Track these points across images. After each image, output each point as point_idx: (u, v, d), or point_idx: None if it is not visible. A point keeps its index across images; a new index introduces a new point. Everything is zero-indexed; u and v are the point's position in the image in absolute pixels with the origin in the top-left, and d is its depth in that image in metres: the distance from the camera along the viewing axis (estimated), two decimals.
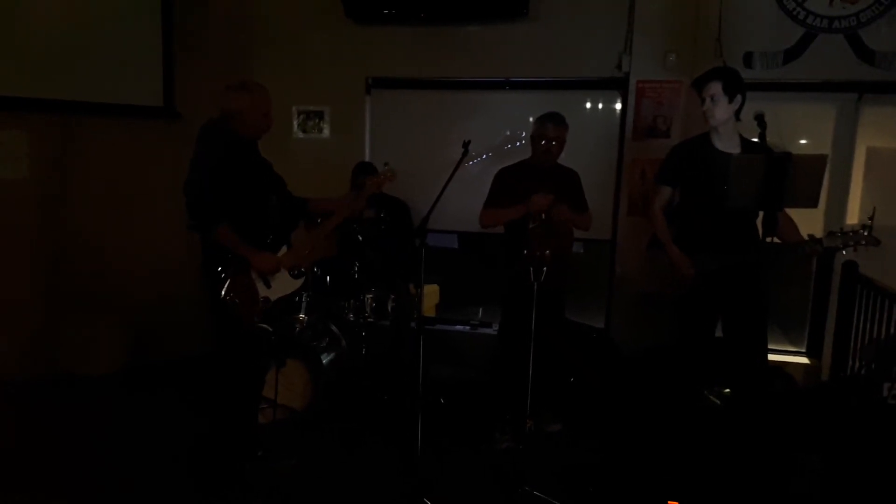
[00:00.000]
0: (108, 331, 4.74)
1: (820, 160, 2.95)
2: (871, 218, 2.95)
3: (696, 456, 3.36)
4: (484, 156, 4.83)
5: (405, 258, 4.28)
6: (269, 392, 3.55)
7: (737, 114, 3.17)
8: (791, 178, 2.83)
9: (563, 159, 3.85)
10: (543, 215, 3.55)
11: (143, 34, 4.72)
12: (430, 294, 5.37)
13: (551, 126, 3.65)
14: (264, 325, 3.43)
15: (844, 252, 3.02)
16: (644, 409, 3.84)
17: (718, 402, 3.90)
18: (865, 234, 2.96)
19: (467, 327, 5.16)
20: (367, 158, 4.91)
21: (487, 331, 5.01)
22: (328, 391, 3.89)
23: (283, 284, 3.22)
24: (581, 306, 4.95)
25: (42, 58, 4.39)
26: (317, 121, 5.02)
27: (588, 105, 4.82)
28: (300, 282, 3.34)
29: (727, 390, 3.89)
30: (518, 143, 4.77)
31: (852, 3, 4.15)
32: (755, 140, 3.08)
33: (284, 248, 3.22)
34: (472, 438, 3.73)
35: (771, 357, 3.97)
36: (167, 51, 4.79)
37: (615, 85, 4.62)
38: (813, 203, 2.93)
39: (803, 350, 4.69)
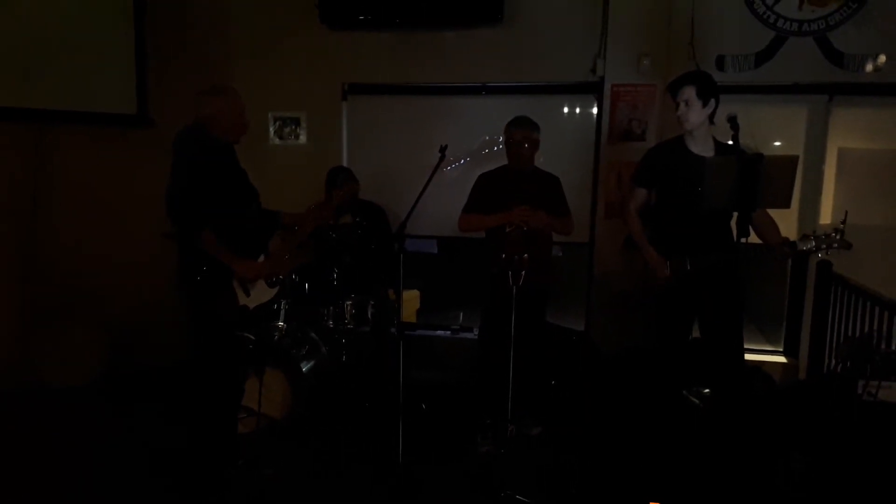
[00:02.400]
0: (85, 340, 4.67)
1: (791, 161, 2.99)
2: (843, 222, 2.98)
3: (678, 456, 3.38)
4: (461, 160, 4.84)
5: (384, 263, 4.28)
6: (250, 401, 3.52)
7: (711, 117, 3.21)
8: (763, 179, 2.86)
9: (541, 163, 3.88)
10: (524, 227, 3.59)
11: (115, 41, 4.66)
12: (411, 300, 5.35)
13: (519, 129, 3.70)
14: (245, 334, 3.42)
15: (819, 255, 3.07)
16: (625, 410, 3.86)
17: (698, 402, 3.93)
18: (837, 237, 2.99)
19: (448, 332, 5.15)
20: (344, 164, 4.89)
21: (468, 335, 5.00)
22: (308, 399, 3.87)
23: (261, 292, 3.20)
24: (561, 309, 4.97)
25: (12, 66, 4.32)
26: (293, 127, 4.99)
27: (565, 109, 4.84)
28: (276, 290, 3.33)
29: (706, 390, 3.92)
30: (496, 148, 4.78)
31: (821, 7, 4.23)
32: (729, 143, 3.11)
33: (262, 257, 3.20)
34: (454, 443, 3.72)
35: (749, 356, 4.02)
36: (140, 58, 4.73)
37: (590, 89, 4.65)
38: (785, 204, 2.97)
39: (781, 349, 4.74)
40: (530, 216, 3.58)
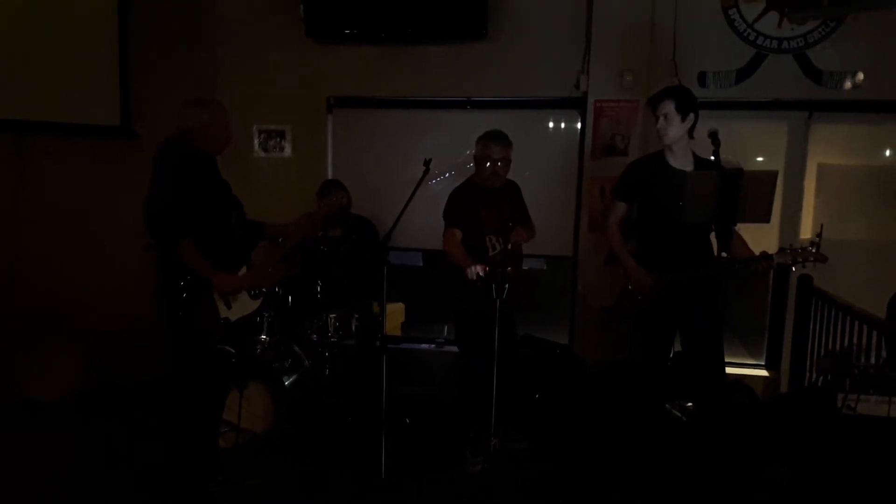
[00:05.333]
0: (64, 354, 4.60)
1: (770, 176, 3.03)
2: (818, 236, 3.03)
3: (662, 469, 3.38)
4: (446, 174, 4.85)
5: (371, 277, 4.27)
6: (230, 415, 3.49)
7: (690, 132, 3.24)
8: (743, 193, 2.89)
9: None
10: (509, 245, 3.56)
11: (99, 52, 4.64)
12: (396, 313, 5.34)
13: (496, 147, 3.54)
14: (226, 347, 3.39)
15: (794, 269, 3.10)
16: (609, 424, 3.86)
17: (681, 415, 3.94)
18: (813, 251, 3.04)
19: (433, 345, 5.14)
20: (329, 177, 4.89)
21: (453, 349, 4.98)
22: (291, 413, 3.84)
23: (243, 305, 3.18)
24: (545, 323, 4.98)
25: None
26: (278, 140, 4.99)
27: (549, 124, 4.87)
28: (258, 302, 3.31)
29: (689, 404, 3.93)
30: None
31: (800, 25, 4.30)
32: (710, 158, 3.15)
33: (244, 269, 3.18)
34: (438, 458, 3.69)
35: (731, 370, 4.04)
36: (124, 69, 4.70)
37: (574, 104, 4.68)
38: (765, 218, 3.00)
39: (762, 362, 4.77)
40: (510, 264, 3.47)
